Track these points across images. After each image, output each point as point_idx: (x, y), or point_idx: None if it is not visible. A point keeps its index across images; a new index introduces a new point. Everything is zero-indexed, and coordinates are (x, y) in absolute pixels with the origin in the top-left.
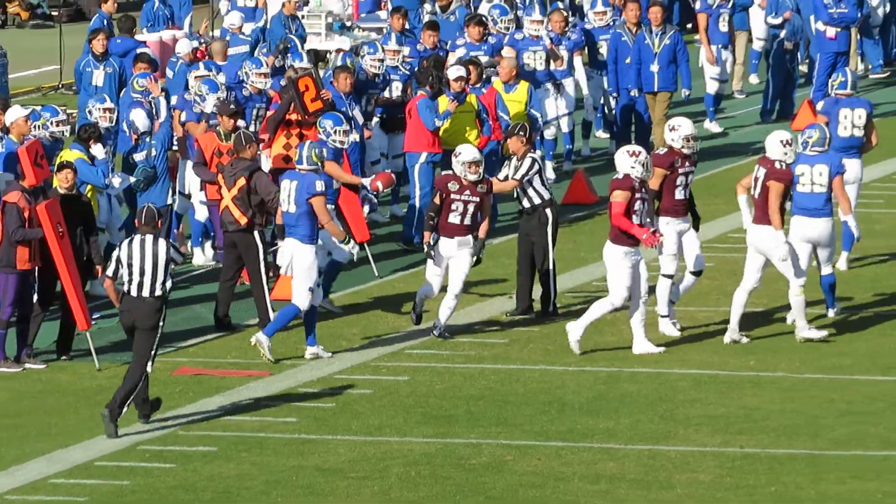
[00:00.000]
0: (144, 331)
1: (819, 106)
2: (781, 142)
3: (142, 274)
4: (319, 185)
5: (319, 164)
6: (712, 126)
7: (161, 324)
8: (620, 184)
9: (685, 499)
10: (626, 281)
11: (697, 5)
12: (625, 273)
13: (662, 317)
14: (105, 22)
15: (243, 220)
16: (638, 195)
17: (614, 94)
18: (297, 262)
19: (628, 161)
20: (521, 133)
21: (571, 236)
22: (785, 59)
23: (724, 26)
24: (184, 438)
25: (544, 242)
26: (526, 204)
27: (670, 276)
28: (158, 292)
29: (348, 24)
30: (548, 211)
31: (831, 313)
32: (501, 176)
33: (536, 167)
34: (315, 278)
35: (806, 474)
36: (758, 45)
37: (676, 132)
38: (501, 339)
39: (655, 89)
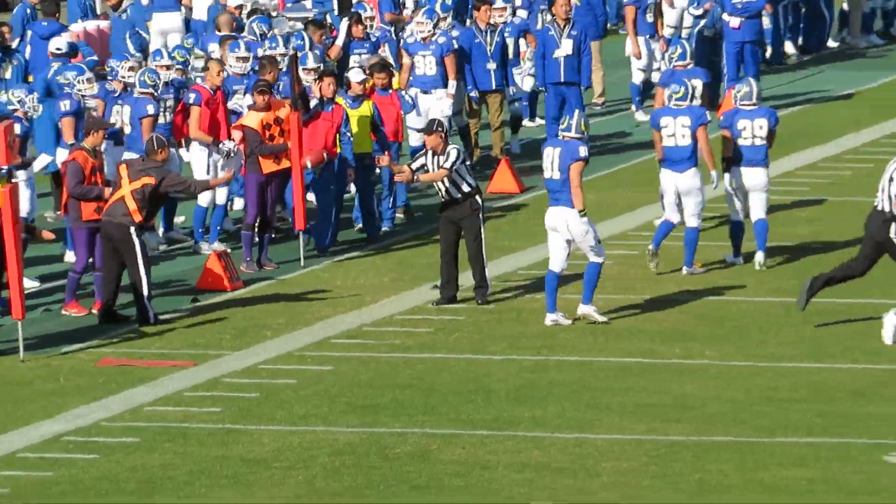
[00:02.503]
0: None
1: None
2: None
3: None
4: (582, 152)
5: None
6: (639, 115)
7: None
8: None
9: (610, 487)
10: None
11: None
12: None
13: None
14: (28, 11)
15: (138, 217)
16: None
17: (542, 89)
18: (574, 229)
19: None
20: (440, 129)
21: (496, 225)
22: (706, 50)
23: (650, 17)
24: (107, 429)
25: (476, 228)
26: (455, 193)
27: None
28: None
29: (274, 14)
30: (477, 198)
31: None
32: (416, 165)
33: (462, 156)
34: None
35: (731, 462)
36: (667, 33)
37: None
38: (427, 327)
39: (492, 87)
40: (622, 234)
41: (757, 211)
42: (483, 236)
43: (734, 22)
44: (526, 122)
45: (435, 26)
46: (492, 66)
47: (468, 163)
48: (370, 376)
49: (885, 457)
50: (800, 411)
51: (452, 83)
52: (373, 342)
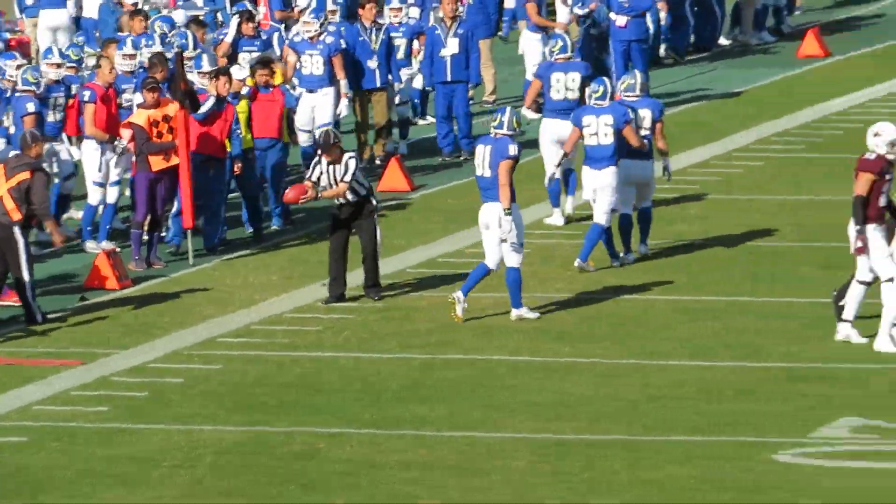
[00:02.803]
0: None
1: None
2: (873, 132)
3: None
4: (512, 150)
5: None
6: (528, 112)
7: None
8: (870, 165)
9: (500, 485)
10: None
11: None
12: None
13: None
14: None
15: (16, 216)
16: (888, 176)
17: (430, 88)
18: (505, 226)
19: (872, 141)
20: (336, 141)
21: (387, 224)
22: (593, 48)
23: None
24: None
25: (372, 229)
26: (350, 197)
27: (868, 284)
28: None
29: (165, 11)
30: (372, 199)
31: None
32: (314, 177)
33: (358, 162)
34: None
35: (621, 460)
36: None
37: (881, 137)
38: (316, 326)
39: (377, 85)
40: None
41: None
42: (378, 236)
43: (620, 21)
44: (415, 121)
45: (322, 25)
46: (374, 64)
47: (361, 165)
48: (258, 375)
49: (774, 455)
50: (688, 409)
51: (343, 82)
52: (261, 341)
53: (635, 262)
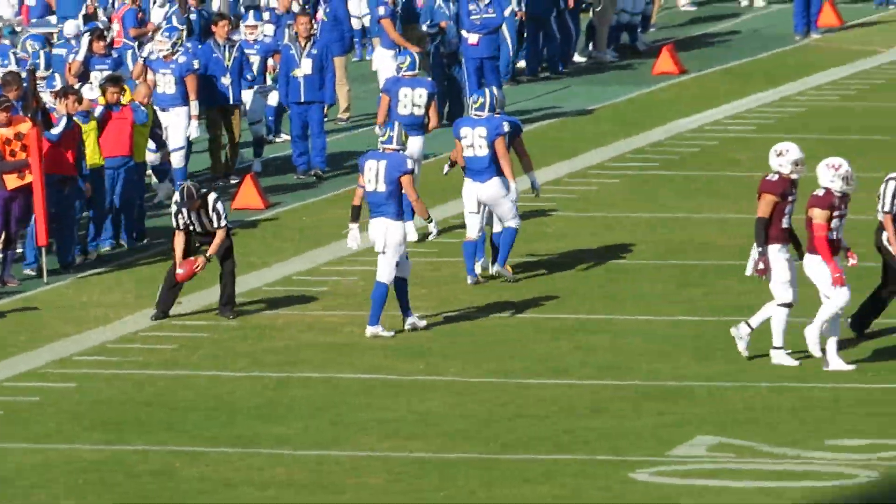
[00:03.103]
0: None
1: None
2: (776, 151)
3: None
4: (409, 164)
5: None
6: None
7: None
8: (820, 201)
9: None
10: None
11: (381, 11)
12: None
13: (777, 348)
14: None
15: None
16: (837, 212)
17: (286, 107)
18: (390, 239)
19: (827, 175)
20: (196, 193)
21: (241, 242)
22: (444, 66)
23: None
24: None
25: (230, 249)
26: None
27: (789, 306)
28: None
29: (18, 29)
30: (227, 221)
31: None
32: (181, 225)
33: (222, 202)
34: (405, 252)
35: (477, 478)
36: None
37: (785, 157)
38: (170, 344)
39: (230, 102)
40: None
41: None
42: (234, 256)
43: (472, 38)
44: (269, 138)
45: (174, 45)
46: (227, 80)
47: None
48: (113, 393)
49: (631, 473)
50: (545, 427)
51: (194, 103)
52: (116, 359)
53: (488, 280)
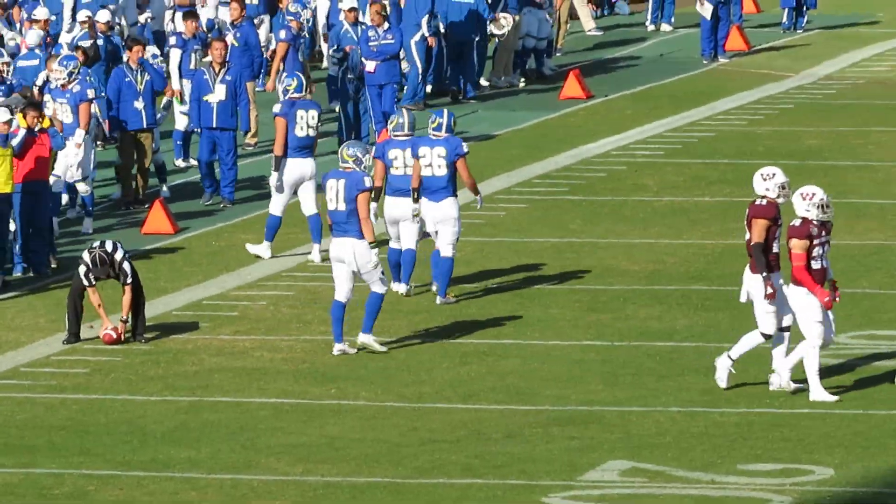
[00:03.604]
0: None
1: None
2: (762, 176)
3: None
4: (367, 182)
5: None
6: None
7: None
8: (797, 231)
9: None
10: (818, 316)
11: (283, 35)
12: (816, 311)
13: (730, 359)
14: None
15: None
16: (817, 240)
17: (196, 131)
18: (360, 259)
19: (802, 205)
20: (107, 258)
21: (150, 266)
22: (349, 91)
23: (301, 57)
24: None
25: (140, 287)
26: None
27: (767, 337)
28: None
29: None
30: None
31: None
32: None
33: (130, 259)
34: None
35: (387, 502)
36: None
37: (772, 181)
38: (82, 368)
39: (143, 126)
40: (275, 274)
41: (407, 241)
42: (141, 284)
43: (369, 66)
44: (178, 163)
45: (71, 73)
46: (140, 104)
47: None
48: (26, 417)
49: (544, 497)
50: (457, 452)
51: (80, 132)
52: (29, 383)
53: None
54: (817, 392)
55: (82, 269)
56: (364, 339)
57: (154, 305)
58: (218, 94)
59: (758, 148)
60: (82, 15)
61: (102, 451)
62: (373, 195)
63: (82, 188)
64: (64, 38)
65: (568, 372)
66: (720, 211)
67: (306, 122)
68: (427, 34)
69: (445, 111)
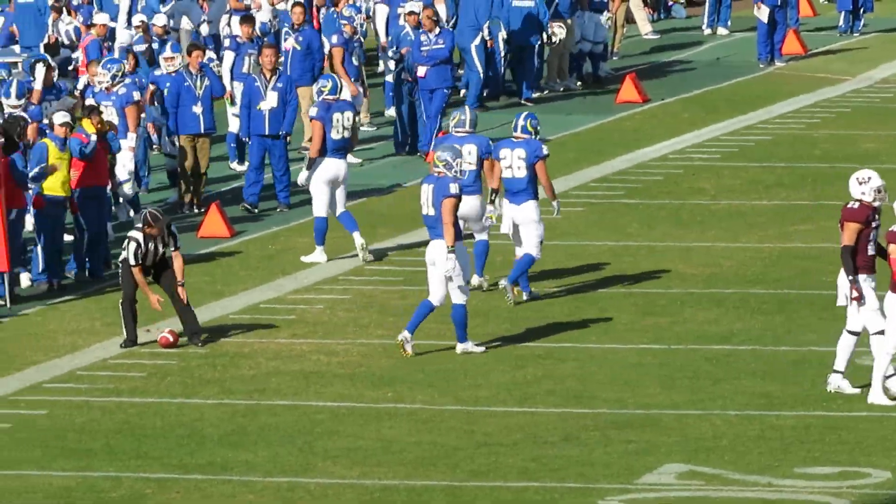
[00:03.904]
0: None
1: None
2: (857, 180)
3: None
4: (454, 188)
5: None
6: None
7: None
8: (856, 214)
9: None
10: None
11: (334, 40)
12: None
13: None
14: None
15: None
16: (874, 223)
17: (246, 139)
18: (440, 263)
19: (858, 189)
20: (161, 218)
21: (207, 270)
22: (403, 93)
23: (356, 60)
24: None
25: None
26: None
27: (881, 332)
28: None
29: None
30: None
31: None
32: (138, 258)
33: (138, 249)
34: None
35: None
36: (390, 78)
37: (867, 184)
38: (139, 372)
39: (201, 131)
40: (332, 277)
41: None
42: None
43: (420, 70)
44: (233, 166)
45: (114, 77)
46: (199, 109)
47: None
48: (83, 420)
49: (601, 501)
50: (513, 455)
51: (132, 135)
52: (86, 386)
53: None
54: (877, 395)
55: (132, 247)
56: (462, 348)
57: (211, 309)
58: (270, 101)
59: (814, 151)
60: (137, 19)
61: (159, 455)
62: (492, 196)
63: (128, 189)
64: (119, 42)
65: (625, 375)
66: (777, 214)
67: (342, 124)
68: (487, 38)
69: (527, 114)
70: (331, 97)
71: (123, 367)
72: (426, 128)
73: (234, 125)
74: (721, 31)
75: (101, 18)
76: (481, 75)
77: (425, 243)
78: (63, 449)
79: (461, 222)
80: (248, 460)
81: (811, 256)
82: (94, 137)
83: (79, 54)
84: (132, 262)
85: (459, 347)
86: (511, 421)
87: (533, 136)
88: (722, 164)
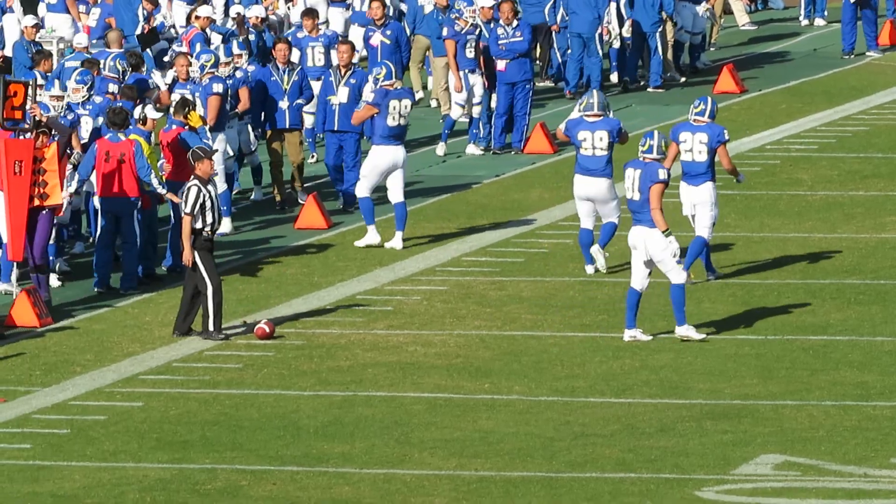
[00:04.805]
0: None
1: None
2: None
3: None
4: (662, 174)
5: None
6: (439, 149)
7: None
8: None
9: None
10: None
11: (444, 32)
12: None
13: None
14: None
15: None
16: None
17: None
18: (652, 248)
19: None
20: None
21: (305, 261)
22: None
23: (470, 52)
24: None
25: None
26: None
27: None
28: None
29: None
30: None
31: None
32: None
33: (200, 194)
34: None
35: (541, 497)
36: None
37: None
38: (235, 363)
39: (287, 126)
40: (429, 268)
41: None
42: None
43: (500, 65)
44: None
45: (202, 68)
46: (285, 104)
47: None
48: (179, 412)
49: (697, 491)
50: (610, 446)
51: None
52: (182, 378)
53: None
54: None
55: (192, 193)
56: (680, 331)
57: (308, 300)
58: (341, 96)
59: None
60: (233, 11)
61: (255, 447)
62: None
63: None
64: (215, 35)
65: (721, 366)
66: (874, 205)
67: (398, 111)
68: (607, 25)
69: (709, 98)
70: (387, 83)
71: (220, 359)
72: (517, 124)
73: (308, 121)
74: (818, 21)
75: (204, 11)
76: (601, 61)
77: (523, 233)
78: (159, 441)
79: (590, 203)
80: (345, 452)
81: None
82: (191, 133)
83: (181, 47)
84: (187, 209)
85: (678, 331)
86: (608, 412)
87: (713, 121)
88: (819, 154)
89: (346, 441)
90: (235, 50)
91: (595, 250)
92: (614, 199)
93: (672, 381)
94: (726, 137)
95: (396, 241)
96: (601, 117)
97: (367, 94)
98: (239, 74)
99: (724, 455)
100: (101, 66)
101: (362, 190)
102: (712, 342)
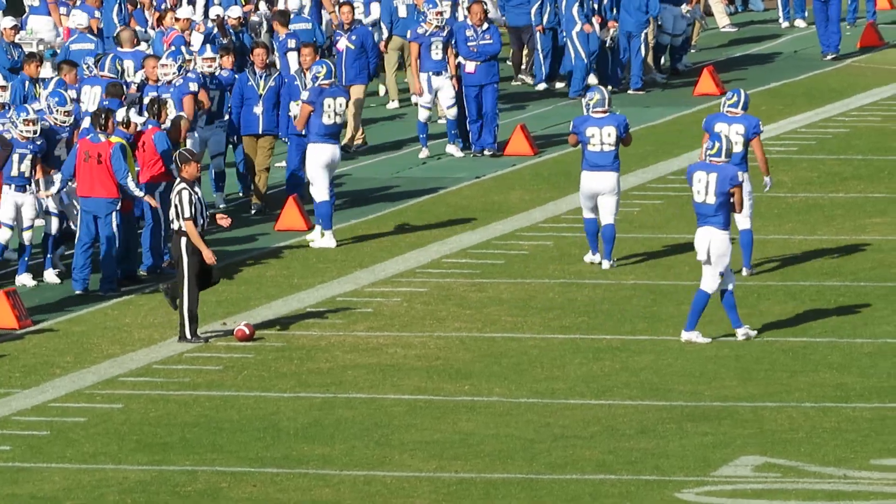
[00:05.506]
0: None
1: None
2: None
3: None
4: (741, 176)
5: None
6: (423, 153)
7: None
8: None
9: None
10: None
11: (408, 35)
12: None
13: None
14: None
15: None
16: None
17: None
18: (714, 249)
19: None
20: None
21: (285, 263)
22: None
23: (437, 54)
24: None
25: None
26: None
27: None
28: None
29: (59, 51)
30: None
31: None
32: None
33: (191, 196)
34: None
35: (521, 498)
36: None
37: None
38: (215, 365)
39: (260, 132)
40: (409, 270)
41: (605, 215)
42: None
43: (469, 66)
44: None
45: (180, 69)
46: (259, 109)
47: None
48: (159, 414)
49: (677, 493)
50: (590, 448)
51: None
52: (162, 380)
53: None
54: None
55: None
56: (687, 336)
57: (288, 302)
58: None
59: (892, 144)
60: (213, 13)
61: (235, 448)
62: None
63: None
64: (195, 39)
65: (701, 367)
66: (854, 207)
67: (334, 109)
68: (582, 24)
69: (742, 90)
70: (326, 82)
71: (200, 361)
72: (487, 126)
73: None
74: (799, 23)
75: (185, 12)
76: (585, 64)
77: (503, 235)
78: (139, 442)
79: (595, 198)
80: (325, 454)
81: (887, 249)
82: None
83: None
84: (187, 213)
85: (684, 336)
86: (588, 413)
87: (747, 112)
88: (799, 156)
89: (327, 443)
90: (208, 53)
91: (606, 266)
92: (618, 193)
93: (652, 383)
94: (761, 129)
95: (314, 235)
96: (608, 113)
97: (304, 93)
98: (179, 83)
99: (704, 457)
100: (99, 65)
101: (320, 195)
102: (692, 344)
